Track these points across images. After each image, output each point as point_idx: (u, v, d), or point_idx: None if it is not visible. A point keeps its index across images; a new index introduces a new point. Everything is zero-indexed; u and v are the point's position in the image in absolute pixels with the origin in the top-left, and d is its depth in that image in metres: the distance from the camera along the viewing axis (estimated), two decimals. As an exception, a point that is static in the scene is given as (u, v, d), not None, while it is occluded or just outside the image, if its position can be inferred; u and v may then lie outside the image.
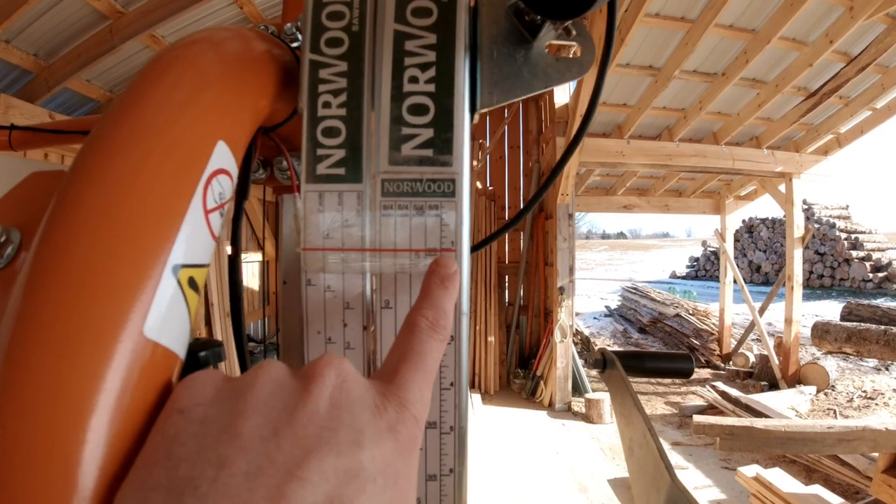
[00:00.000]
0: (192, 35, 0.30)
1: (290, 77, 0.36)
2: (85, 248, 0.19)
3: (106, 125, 0.22)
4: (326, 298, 0.31)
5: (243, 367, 0.36)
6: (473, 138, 7.68)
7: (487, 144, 7.67)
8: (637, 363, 0.65)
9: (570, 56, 0.36)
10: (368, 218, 0.31)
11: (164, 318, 0.21)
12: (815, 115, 5.69)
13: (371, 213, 0.31)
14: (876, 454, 3.07)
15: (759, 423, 3.06)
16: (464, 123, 0.32)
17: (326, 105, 0.31)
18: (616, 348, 9.58)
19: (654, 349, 9.56)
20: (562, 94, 6.39)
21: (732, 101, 5.64)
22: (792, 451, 3.10)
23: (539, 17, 0.31)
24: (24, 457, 0.17)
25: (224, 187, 0.25)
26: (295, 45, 0.41)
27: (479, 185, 7.38)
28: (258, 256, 7.41)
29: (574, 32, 0.36)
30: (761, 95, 5.41)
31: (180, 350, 0.22)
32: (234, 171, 0.26)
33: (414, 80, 0.32)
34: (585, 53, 0.36)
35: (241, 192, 0.36)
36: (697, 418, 3.19)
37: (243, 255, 6.45)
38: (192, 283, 0.22)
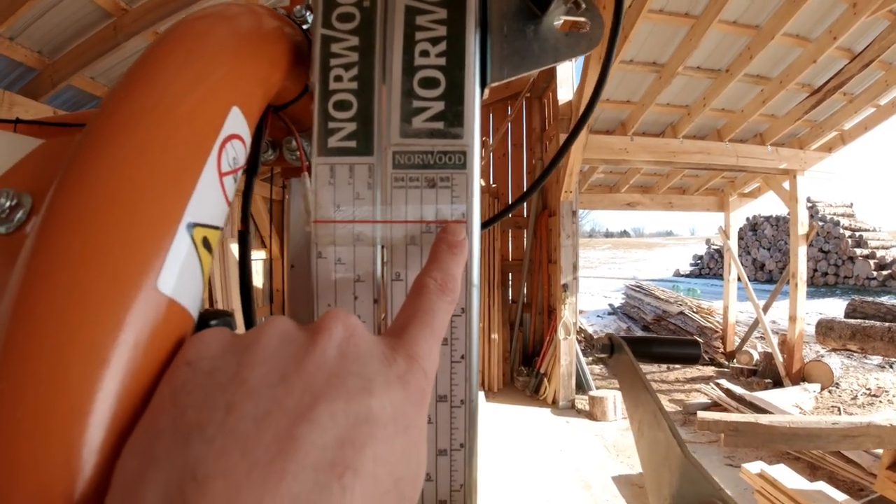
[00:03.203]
0: (204, 9, 0.30)
1: (300, 55, 0.36)
2: (100, 202, 0.19)
3: (123, 89, 0.23)
4: (337, 272, 0.31)
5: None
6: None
7: (490, 142, 7.66)
8: (645, 348, 0.65)
9: (580, 31, 0.36)
10: (380, 190, 0.31)
11: (179, 274, 0.21)
12: (820, 111, 5.66)
13: (382, 185, 0.31)
14: (880, 451, 3.07)
15: (764, 419, 3.06)
16: (474, 97, 0.32)
17: (338, 79, 0.32)
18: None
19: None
20: (565, 91, 6.38)
21: (736, 98, 5.62)
22: (796, 448, 3.10)
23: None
24: (29, 408, 0.17)
25: (238, 152, 0.25)
26: (305, 26, 0.41)
27: (482, 182, 7.38)
28: (262, 255, 7.43)
29: (583, 6, 0.36)
30: (765, 92, 5.39)
31: (193, 310, 0.22)
32: (248, 139, 0.27)
33: (425, 53, 0.32)
34: (594, 28, 0.36)
35: (251, 168, 0.36)
36: (702, 414, 3.18)
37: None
38: (206, 243, 0.22)
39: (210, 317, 0.25)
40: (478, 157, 0.31)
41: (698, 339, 0.68)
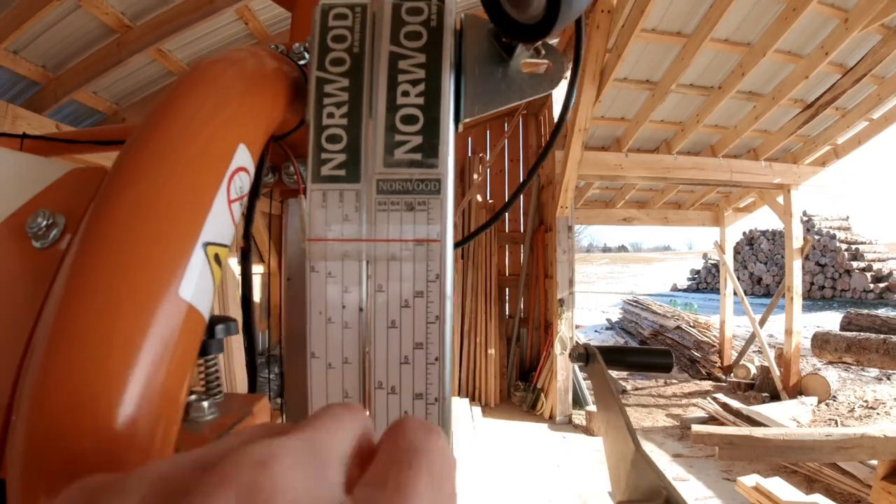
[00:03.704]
0: (214, 55, 0.34)
1: (298, 91, 0.40)
2: (131, 223, 0.24)
3: (146, 129, 0.27)
4: (328, 283, 0.35)
5: (250, 347, 0.41)
6: (474, 152, 7.76)
7: (487, 158, 7.74)
8: (619, 357, 0.69)
9: (542, 72, 0.40)
10: (365, 213, 0.36)
11: (196, 284, 0.25)
12: (813, 126, 5.74)
13: (368, 208, 0.36)
14: (876, 462, 3.08)
15: (758, 431, 3.07)
16: (449, 131, 0.36)
17: (330, 115, 0.36)
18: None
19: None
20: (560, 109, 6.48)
21: (729, 114, 5.70)
22: (791, 460, 3.11)
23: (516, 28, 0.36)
24: (77, 381, 0.21)
25: (243, 182, 0.29)
26: (302, 62, 0.46)
27: (479, 198, 7.43)
28: (260, 269, 7.46)
29: (543, 52, 0.40)
30: (758, 108, 5.47)
31: (206, 314, 0.26)
32: (252, 169, 0.31)
33: (406, 94, 0.36)
34: (556, 70, 0.41)
35: (253, 192, 0.41)
36: (696, 428, 3.20)
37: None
38: (217, 258, 0.26)
39: (217, 321, 0.29)
40: (451, 185, 0.36)
41: (669, 349, 0.72)
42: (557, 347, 6.05)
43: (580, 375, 6.51)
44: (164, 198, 0.25)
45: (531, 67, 0.40)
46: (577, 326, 9.98)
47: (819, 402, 5.70)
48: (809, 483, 4.04)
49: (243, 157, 0.30)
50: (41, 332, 0.23)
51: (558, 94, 6.47)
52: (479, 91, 0.39)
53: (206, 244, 0.26)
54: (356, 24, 0.38)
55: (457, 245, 0.41)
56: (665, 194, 8.23)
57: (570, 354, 0.61)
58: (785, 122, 5.74)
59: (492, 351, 6.85)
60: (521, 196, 7.96)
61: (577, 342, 0.67)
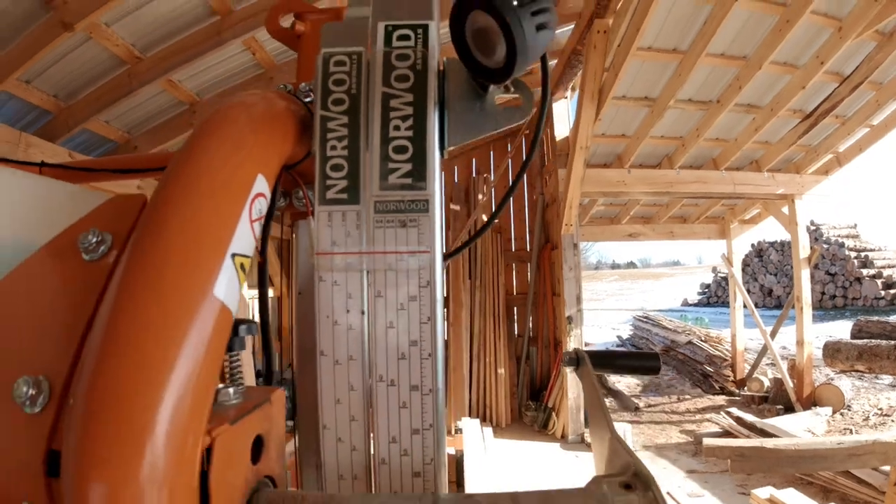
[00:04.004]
0: (231, 99, 0.41)
1: (305, 126, 0.47)
2: (174, 237, 0.30)
3: (180, 164, 0.34)
4: (334, 291, 0.41)
5: (268, 354, 0.46)
6: (478, 173, 7.87)
7: (492, 178, 7.82)
8: (609, 361, 0.74)
9: (515, 106, 0.47)
10: (365, 230, 0.41)
11: (227, 286, 0.31)
12: (813, 135, 5.77)
13: (367, 226, 0.41)
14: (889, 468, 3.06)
15: (769, 442, 3.05)
16: (435, 159, 0.43)
17: (333, 148, 0.42)
18: (629, 378, 9.53)
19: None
20: (562, 127, 6.57)
21: (729, 127, 5.75)
22: (803, 470, 3.09)
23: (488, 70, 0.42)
24: (127, 378, 0.26)
25: (262, 205, 0.36)
26: (308, 100, 0.52)
27: (484, 217, 7.49)
28: (269, 293, 7.52)
29: (513, 88, 0.47)
30: (757, 120, 5.52)
31: (234, 313, 0.32)
32: (268, 194, 0.37)
33: (397, 128, 0.43)
34: (525, 102, 0.47)
35: (268, 213, 0.47)
36: (707, 441, 3.18)
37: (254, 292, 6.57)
38: (242, 267, 0.32)
39: (241, 322, 0.35)
40: (439, 203, 0.42)
41: (657, 353, 0.77)
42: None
43: (591, 392, 6.49)
44: (200, 218, 0.31)
45: (503, 101, 0.46)
46: (587, 344, 9.93)
47: (833, 412, 5.64)
48: (825, 494, 3.99)
49: (261, 185, 0.36)
50: (100, 323, 0.28)
51: (560, 112, 6.58)
52: (460, 123, 0.45)
53: (234, 255, 0.32)
54: (353, 69, 0.44)
55: (446, 257, 0.47)
56: (670, 209, 8.24)
57: (562, 360, 0.66)
58: (785, 133, 5.78)
59: (501, 370, 6.82)
60: (528, 214, 8.03)
61: (568, 352, 0.73)
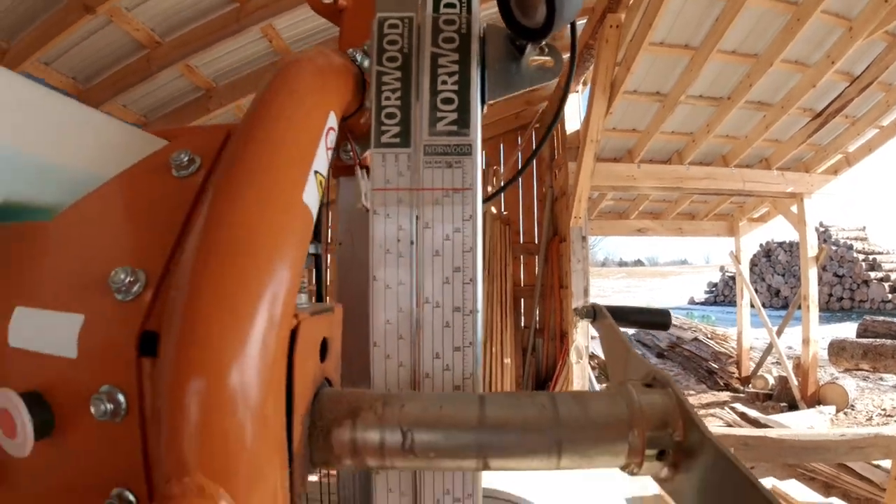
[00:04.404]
0: (300, 53, 0.47)
1: (357, 83, 0.53)
2: (271, 149, 0.35)
3: (267, 93, 0.39)
4: (386, 222, 0.47)
5: (318, 279, 0.52)
6: (488, 165, 7.92)
7: (501, 170, 7.85)
8: (624, 315, 0.80)
9: (547, 67, 0.52)
10: (415, 169, 0.47)
11: (310, 195, 0.36)
12: (823, 135, 5.77)
13: (416, 166, 0.47)
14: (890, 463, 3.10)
15: (773, 433, 3.11)
16: (477, 110, 0.48)
17: (387, 98, 0.48)
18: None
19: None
20: (573, 122, 6.59)
21: (740, 124, 5.76)
22: (806, 460, 3.13)
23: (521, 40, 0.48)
24: (232, 269, 0.32)
25: (332, 138, 0.41)
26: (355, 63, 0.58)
27: (493, 209, 7.53)
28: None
29: (546, 51, 0.52)
30: (767, 118, 5.53)
31: (314, 217, 0.38)
32: (336, 128, 0.43)
33: (444, 82, 0.48)
34: (557, 64, 0.53)
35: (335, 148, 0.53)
36: (712, 430, 3.22)
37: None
38: (320, 182, 0.38)
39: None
40: (479, 148, 0.48)
41: (668, 311, 0.83)
42: (573, 356, 6.08)
43: (596, 384, 6.54)
44: (289, 139, 0.37)
45: (537, 62, 0.52)
46: (593, 337, 9.97)
47: (837, 411, 5.67)
48: (827, 489, 4.02)
49: (332, 120, 0.42)
50: (205, 219, 0.34)
51: (571, 106, 6.59)
52: (499, 80, 0.51)
53: (315, 171, 0.37)
54: (405, 31, 0.50)
55: (485, 200, 0.53)
56: (679, 205, 8.25)
57: (576, 311, 0.72)
58: (795, 132, 5.78)
59: (507, 360, 6.89)
60: (536, 207, 8.08)
61: (585, 306, 0.78)
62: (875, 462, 3.39)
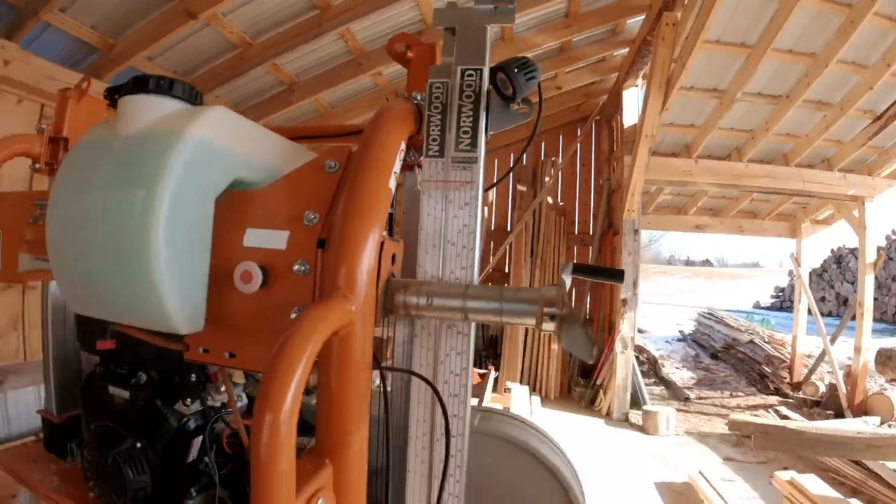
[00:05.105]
0: (389, 103, 0.86)
1: (418, 119, 0.91)
2: (376, 157, 0.75)
3: (372, 129, 0.79)
4: (430, 199, 0.86)
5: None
6: (547, 155, 8.14)
7: (560, 161, 8.03)
8: (586, 269, 1.14)
9: (524, 112, 0.89)
10: (445, 169, 0.85)
11: (391, 183, 0.75)
12: (885, 137, 5.65)
13: (447, 169, 0.85)
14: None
15: (792, 423, 3.25)
16: (482, 137, 0.86)
17: (433, 129, 0.86)
18: (685, 371, 9.57)
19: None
20: (631, 115, 6.71)
21: (800, 123, 5.75)
22: (822, 454, 3.25)
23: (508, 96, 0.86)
24: (367, 221, 0.71)
25: (402, 155, 0.80)
26: (416, 102, 0.97)
27: (549, 199, 7.74)
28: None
29: (521, 103, 0.89)
30: (828, 118, 5.49)
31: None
32: (403, 151, 0.81)
33: (464, 121, 0.86)
34: (530, 110, 0.90)
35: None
36: (734, 416, 3.41)
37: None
38: (395, 178, 0.77)
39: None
40: (482, 159, 0.85)
41: (623, 270, 1.15)
42: (618, 346, 6.24)
43: (640, 375, 6.71)
44: (383, 156, 0.76)
45: (518, 109, 0.89)
46: (639, 330, 10.00)
47: (881, 422, 5.58)
48: (854, 494, 4.07)
49: (402, 146, 0.81)
50: (344, 195, 0.74)
51: (629, 100, 6.66)
52: (495, 119, 0.88)
53: (394, 172, 0.76)
54: (444, 90, 0.88)
55: (486, 189, 0.91)
56: (739, 202, 8.17)
57: (562, 266, 1.07)
58: (857, 133, 5.70)
59: (555, 346, 7.14)
60: (593, 199, 8.24)
61: (566, 262, 1.14)
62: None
